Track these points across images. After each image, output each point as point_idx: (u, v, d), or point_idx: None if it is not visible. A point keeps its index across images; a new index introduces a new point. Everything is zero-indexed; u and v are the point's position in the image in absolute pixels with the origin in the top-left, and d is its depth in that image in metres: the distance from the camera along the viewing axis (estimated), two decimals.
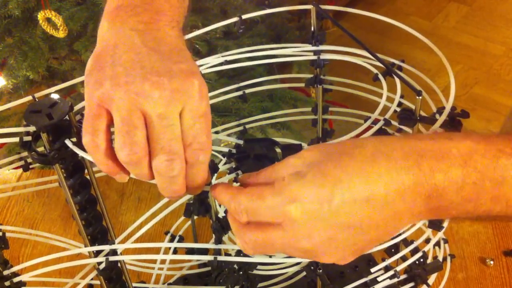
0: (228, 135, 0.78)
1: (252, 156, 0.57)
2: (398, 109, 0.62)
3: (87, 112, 0.47)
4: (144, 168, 0.47)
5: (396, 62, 0.64)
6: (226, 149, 0.59)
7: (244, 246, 0.47)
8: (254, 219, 0.46)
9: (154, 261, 0.80)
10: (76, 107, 0.56)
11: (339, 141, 0.48)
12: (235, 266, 0.61)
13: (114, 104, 0.45)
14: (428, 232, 0.70)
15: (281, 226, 0.45)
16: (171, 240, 0.83)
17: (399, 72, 0.60)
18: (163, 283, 0.83)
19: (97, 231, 0.61)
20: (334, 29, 2.42)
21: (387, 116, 0.63)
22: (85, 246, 0.61)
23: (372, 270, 0.66)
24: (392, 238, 0.62)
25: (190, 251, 0.74)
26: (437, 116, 0.59)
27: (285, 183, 0.45)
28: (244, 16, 0.69)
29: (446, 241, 0.75)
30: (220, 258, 0.58)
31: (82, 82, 0.49)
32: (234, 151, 0.58)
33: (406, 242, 0.66)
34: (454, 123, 0.56)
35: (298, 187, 0.44)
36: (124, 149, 0.45)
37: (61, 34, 1.13)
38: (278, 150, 0.57)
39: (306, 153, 0.47)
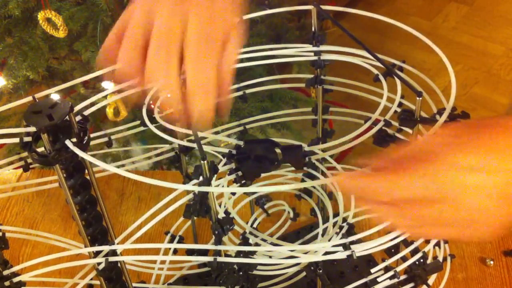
0: (228, 135, 0.78)
1: (252, 157, 0.57)
2: (399, 110, 0.62)
3: (130, 22, 0.50)
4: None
5: (397, 62, 0.64)
6: (226, 150, 0.59)
7: (396, 226, 0.49)
8: (406, 197, 0.46)
9: (154, 261, 0.80)
10: (77, 108, 0.56)
11: (477, 119, 0.48)
12: (235, 266, 0.61)
13: (157, 15, 0.48)
14: None
15: (437, 199, 0.45)
16: (171, 240, 0.83)
17: (399, 73, 0.60)
18: (163, 283, 0.83)
19: (97, 232, 0.61)
20: (334, 29, 2.42)
21: (387, 116, 0.63)
22: (85, 247, 0.61)
23: (372, 270, 0.66)
24: (392, 239, 0.62)
25: (190, 252, 0.74)
26: (437, 117, 0.59)
27: (439, 156, 0.45)
28: (244, 17, 0.69)
29: (446, 241, 0.75)
30: (220, 259, 0.58)
31: (82, 83, 0.50)
32: (234, 152, 0.58)
33: (406, 243, 0.66)
34: None
35: (455, 158, 0.44)
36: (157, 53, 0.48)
37: (61, 34, 1.13)
38: (278, 151, 0.57)
39: (448, 128, 0.47)
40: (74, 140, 0.53)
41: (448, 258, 0.79)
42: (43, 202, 1.05)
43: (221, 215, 0.61)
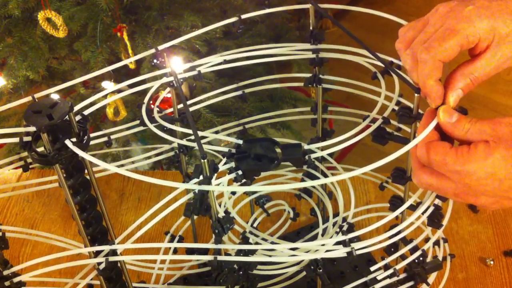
0: (228, 135, 0.78)
1: (252, 156, 0.57)
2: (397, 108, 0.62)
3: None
4: None
5: (395, 61, 0.64)
6: (226, 149, 0.59)
7: (418, 184, 0.54)
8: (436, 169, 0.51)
9: (154, 261, 0.80)
10: (76, 108, 0.56)
11: None
12: (235, 266, 0.61)
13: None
14: (428, 230, 0.70)
15: (457, 182, 0.50)
16: (171, 240, 0.83)
17: (397, 71, 0.60)
18: (163, 283, 0.83)
19: (97, 231, 0.61)
20: (334, 29, 2.41)
21: (386, 114, 0.63)
22: (85, 246, 0.61)
23: (372, 268, 0.66)
24: (391, 237, 0.62)
25: (190, 251, 0.75)
26: None
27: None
28: (243, 16, 0.69)
29: (446, 241, 0.75)
30: (220, 258, 0.58)
31: (82, 83, 0.50)
32: (234, 151, 0.58)
33: (406, 241, 0.66)
34: None
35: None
36: None
37: (61, 34, 1.13)
38: (277, 150, 0.57)
39: None
40: (74, 139, 0.53)
41: (448, 258, 0.79)
42: (43, 202, 1.05)
43: (221, 214, 0.61)
